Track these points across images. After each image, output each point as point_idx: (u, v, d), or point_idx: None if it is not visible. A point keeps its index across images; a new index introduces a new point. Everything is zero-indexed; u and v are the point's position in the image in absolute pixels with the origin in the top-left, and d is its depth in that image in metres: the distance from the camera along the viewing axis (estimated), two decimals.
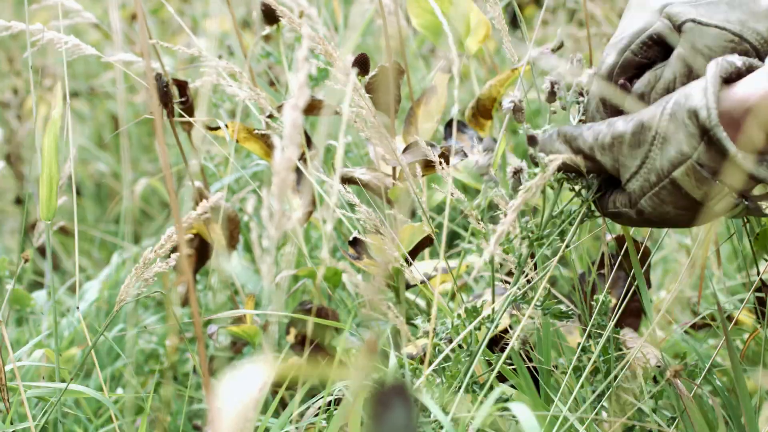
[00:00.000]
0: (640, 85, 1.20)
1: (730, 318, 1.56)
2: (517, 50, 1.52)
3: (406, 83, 1.75)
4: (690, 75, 1.16)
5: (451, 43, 1.39)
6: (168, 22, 3.27)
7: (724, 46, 1.14)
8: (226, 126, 1.62)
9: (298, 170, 1.60)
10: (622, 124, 1.13)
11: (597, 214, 1.22)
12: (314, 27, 1.86)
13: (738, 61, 1.10)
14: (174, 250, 1.34)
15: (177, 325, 1.66)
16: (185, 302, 1.76)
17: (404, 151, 1.48)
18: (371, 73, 1.49)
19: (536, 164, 1.19)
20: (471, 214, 1.28)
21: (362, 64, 1.48)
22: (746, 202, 1.12)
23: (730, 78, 1.09)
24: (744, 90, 1.07)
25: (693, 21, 1.16)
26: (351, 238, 1.49)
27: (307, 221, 1.64)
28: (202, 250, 1.74)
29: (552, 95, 1.23)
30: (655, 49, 1.20)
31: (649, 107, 1.12)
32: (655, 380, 1.34)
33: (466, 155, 1.55)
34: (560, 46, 1.65)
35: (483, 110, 1.67)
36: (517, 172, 1.20)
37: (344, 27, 2.09)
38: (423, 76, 2.36)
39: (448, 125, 1.68)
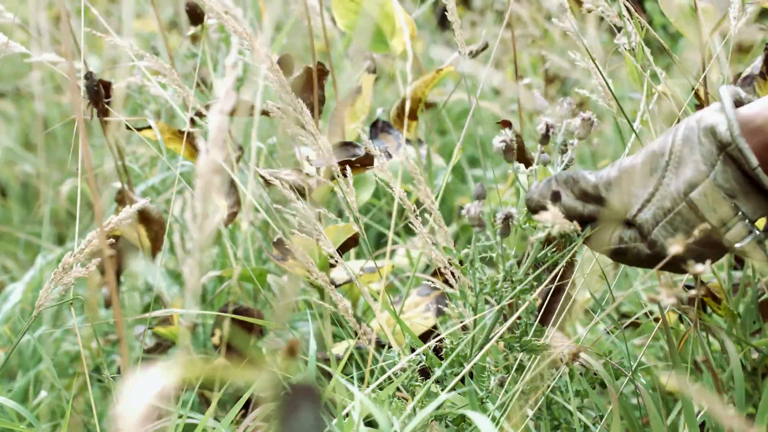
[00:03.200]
0: None
1: (656, 318, 1.58)
2: (444, 52, 1.52)
3: (332, 83, 1.75)
4: None
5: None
6: (95, 22, 3.23)
7: None
8: (149, 128, 1.61)
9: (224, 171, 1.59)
10: (629, 160, 1.14)
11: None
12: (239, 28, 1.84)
13: (741, 91, 1.11)
14: (96, 253, 1.32)
15: (99, 327, 1.65)
16: (109, 304, 1.75)
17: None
18: (295, 74, 1.48)
19: (531, 210, 1.18)
20: (455, 263, 1.26)
21: (286, 64, 1.48)
22: (758, 233, 1.11)
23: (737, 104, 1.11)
24: (748, 111, 1.09)
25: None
26: (275, 239, 1.49)
27: (232, 222, 1.63)
28: (126, 252, 1.73)
29: (546, 138, 1.21)
30: None
31: (657, 138, 1.13)
32: (582, 376, 1.35)
33: (390, 156, 1.55)
34: (485, 47, 1.66)
35: (408, 111, 1.68)
36: (508, 218, 1.18)
37: (271, 28, 2.09)
38: (349, 76, 2.36)
39: (374, 125, 1.68)
